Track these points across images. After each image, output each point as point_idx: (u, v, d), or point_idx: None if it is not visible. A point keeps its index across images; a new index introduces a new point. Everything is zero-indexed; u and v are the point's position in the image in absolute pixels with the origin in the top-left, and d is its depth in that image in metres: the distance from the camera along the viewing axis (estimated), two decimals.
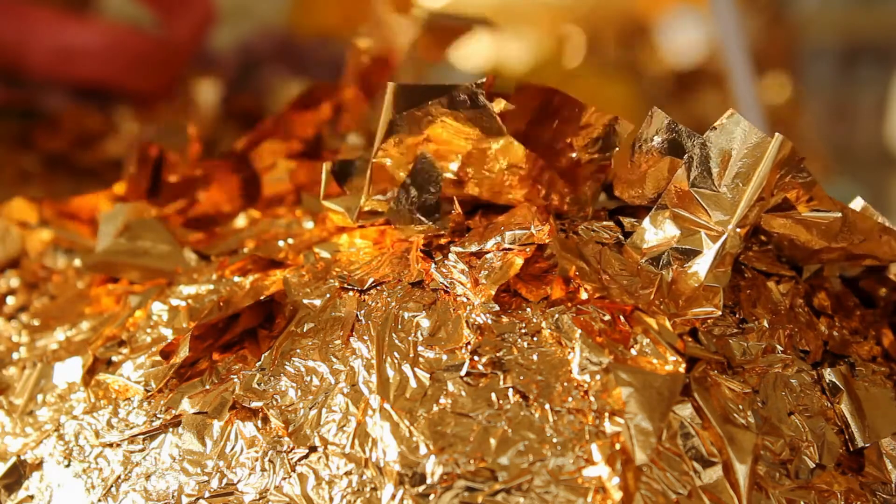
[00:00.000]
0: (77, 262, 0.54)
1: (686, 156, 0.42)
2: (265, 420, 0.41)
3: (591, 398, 0.39)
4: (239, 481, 0.40)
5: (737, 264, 0.44)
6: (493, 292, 0.41)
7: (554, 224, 0.42)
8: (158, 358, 0.44)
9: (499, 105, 0.43)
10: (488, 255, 0.42)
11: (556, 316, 0.41)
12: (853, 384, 0.43)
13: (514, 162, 0.44)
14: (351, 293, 0.43)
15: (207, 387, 0.42)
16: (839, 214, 0.44)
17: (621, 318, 0.40)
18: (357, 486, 0.39)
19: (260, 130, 0.55)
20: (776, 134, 0.41)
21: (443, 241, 0.43)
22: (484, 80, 0.43)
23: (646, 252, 0.43)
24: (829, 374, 0.43)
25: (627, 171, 0.43)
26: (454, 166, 0.44)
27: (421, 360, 0.40)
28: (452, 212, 0.44)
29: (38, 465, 0.44)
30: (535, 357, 0.40)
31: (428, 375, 0.40)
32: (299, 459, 0.40)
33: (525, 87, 0.47)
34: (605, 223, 0.44)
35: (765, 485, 0.39)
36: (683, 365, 0.39)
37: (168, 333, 0.46)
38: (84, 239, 0.56)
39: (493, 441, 0.38)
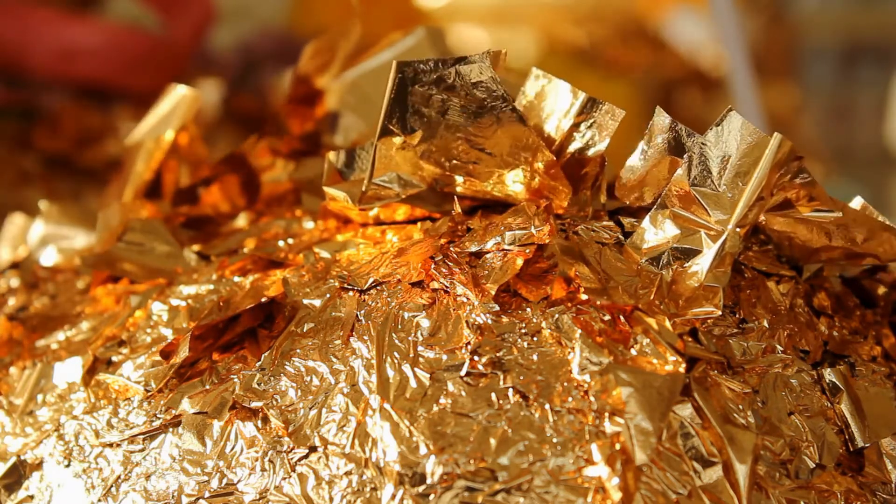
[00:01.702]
0: (77, 261, 0.54)
1: (686, 155, 0.42)
2: (265, 420, 0.41)
3: (591, 398, 0.39)
4: (239, 481, 0.40)
5: (737, 264, 0.44)
6: (493, 292, 0.41)
7: (554, 224, 0.42)
8: (158, 358, 0.44)
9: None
10: (488, 255, 0.42)
11: (556, 316, 0.41)
12: (853, 384, 0.43)
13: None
14: (351, 293, 0.43)
15: (207, 387, 0.42)
16: (840, 214, 0.44)
17: (621, 318, 0.40)
18: (357, 486, 0.39)
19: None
20: (775, 133, 0.41)
21: (443, 241, 0.43)
22: (489, 52, 0.43)
23: (646, 252, 0.43)
24: (829, 374, 0.43)
25: (627, 172, 0.43)
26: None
27: (421, 360, 0.40)
28: (452, 212, 0.44)
29: (38, 465, 0.44)
30: (535, 357, 0.40)
31: (428, 375, 0.40)
32: (299, 459, 0.40)
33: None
34: (605, 223, 0.44)
35: (765, 485, 0.39)
36: (683, 365, 0.39)
37: (168, 333, 0.46)
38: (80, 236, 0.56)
39: (493, 441, 0.38)
